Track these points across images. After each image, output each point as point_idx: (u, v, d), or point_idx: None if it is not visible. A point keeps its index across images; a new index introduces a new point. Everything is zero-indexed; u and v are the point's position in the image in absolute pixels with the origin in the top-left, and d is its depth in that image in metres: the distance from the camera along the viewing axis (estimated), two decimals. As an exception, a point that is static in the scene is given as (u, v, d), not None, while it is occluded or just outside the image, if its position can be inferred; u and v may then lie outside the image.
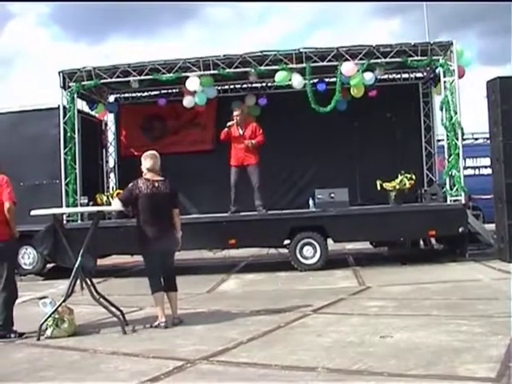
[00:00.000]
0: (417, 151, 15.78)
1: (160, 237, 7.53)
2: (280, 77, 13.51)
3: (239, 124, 13.11)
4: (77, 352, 6.40)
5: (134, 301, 9.52)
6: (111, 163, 16.95)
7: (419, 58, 13.23)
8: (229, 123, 13.07)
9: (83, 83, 13.95)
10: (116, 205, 8.02)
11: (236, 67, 13.63)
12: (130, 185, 7.68)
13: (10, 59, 61.95)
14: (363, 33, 60.75)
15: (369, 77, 13.30)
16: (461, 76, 13.15)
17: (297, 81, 13.44)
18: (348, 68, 13.13)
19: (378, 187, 13.04)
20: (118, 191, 14.13)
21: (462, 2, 36.14)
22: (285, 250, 13.31)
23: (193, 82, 13.52)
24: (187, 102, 14.09)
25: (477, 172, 20.72)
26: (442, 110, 13.32)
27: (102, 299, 7.66)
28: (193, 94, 13.87)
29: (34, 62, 60.84)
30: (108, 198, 13.90)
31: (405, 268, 12.23)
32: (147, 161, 7.79)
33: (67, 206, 13.34)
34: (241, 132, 13.11)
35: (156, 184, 7.63)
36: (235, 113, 13.16)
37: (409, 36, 71.41)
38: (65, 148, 13.69)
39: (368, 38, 66.44)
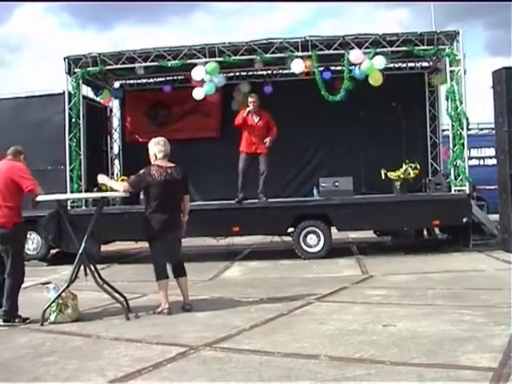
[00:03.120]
0: (422, 141, 15.74)
1: (169, 224, 7.53)
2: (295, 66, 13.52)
3: (255, 111, 12.97)
4: (80, 337, 6.42)
5: (137, 287, 9.56)
6: (116, 149, 16.96)
7: (425, 47, 13.20)
8: (248, 108, 12.89)
9: (88, 69, 13.94)
10: (124, 186, 7.84)
11: (242, 54, 13.60)
12: (142, 171, 7.60)
13: (18, 46, 61.88)
14: (371, 22, 60.41)
15: (379, 61, 13.16)
16: None
17: (298, 66, 13.40)
18: (356, 55, 13.07)
19: (383, 176, 13.02)
20: (122, 177, 14.16)
21: (466, 1, 36.04)
22: (289, 238, 13.33)
23: (198, 72, 13.43)
24: (197, 94, 13.78)
25: (481, 162, 20.64)
26: (447, 99, 13.28)
27: (105, 285, 7.68)
28: (201, 84, 13.72)
29: (41, 48, 60.74)
30: (112, 184, 13.90)
31: (408, 257, 12.25)
32: (163, 146, 7.72)
33: (72, 191, 13.36)
34: (255, 120, 12.97)
35: (169, 171, 7.59)
36: (251, 99, 12.99)
37: (416, 26, 70.94)
38: (70, 134, 13.71)
39: (375, 28, 66.39)
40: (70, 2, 44.00)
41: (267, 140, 12.81)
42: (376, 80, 13.35)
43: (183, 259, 7.92)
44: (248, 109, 12.84)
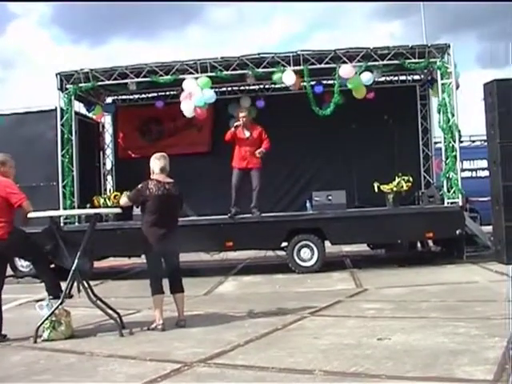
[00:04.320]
0: (414, 153, 15.80)
1: (166, 238, 7.52)
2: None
3: (245, 126, 12.91)
4: (74, 355, 6.38)
5: (131, 303, 9.51)
6: (108, 165, 16.97)
7: (417, 60, 13.26)
8: (236, 123, 12.88)
9: (80, 85, 13.95)
10: (123, 201, 7.94)
11: (233, 69, 13.64)
12: (140, 185, 7.63)
13: (11, 60, 62.00)
14: (363, 35, 60.83)
15: (367, 77, 13.29)
16: (456, 88, 13.21)
17: (290, 78, 13.47)
18: (346, 71, 13.14)
19: (376, 189, 13.04)
20: (115, 193, 14.14)
21: (460, 1, 36.17)
22: (282, 253, 13.31)
23: (189, 84, 13.43)
24: (186, 106, 13.73)
25: (474, 174, 20.70)
26: (439, 112, 13.33)
27: (98, 301, 7.64)
28: (190, 97, 13.69)
29: (34, 63, 60.82)
30: (105, 200, 13.89)
31: (402, 270, 12.24)
32: (160, 160, 7.75)
33: (64, 208, 13.33)
34: (247, 134, 12.85)
35: (167, 186, 7.62)
36: (241, 114, 12.94)
37: (409, 39, 71.45)
38: (62, 150, 13.68)
39: (368, 41, 66.82)
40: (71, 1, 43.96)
41: (258, 152, 12.75)
42: (360, 94, 13.55)
43: (181, 275, 7.89)
44: (236, 123, 12.83)
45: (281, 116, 14.99)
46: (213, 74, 13.55)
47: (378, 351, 5.77)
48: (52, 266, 7.94)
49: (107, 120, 17.04)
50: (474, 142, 21.93)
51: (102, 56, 66.14)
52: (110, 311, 7.66)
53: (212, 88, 13.79)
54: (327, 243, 13.00)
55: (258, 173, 12.79)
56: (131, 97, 16.78)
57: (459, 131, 12.97)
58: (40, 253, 7.66)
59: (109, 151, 17.04)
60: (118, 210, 8.11)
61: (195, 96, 13.40)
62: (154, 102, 15.99)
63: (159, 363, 5.77)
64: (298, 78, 13.48)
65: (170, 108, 15.62)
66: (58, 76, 13.92)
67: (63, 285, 7.42)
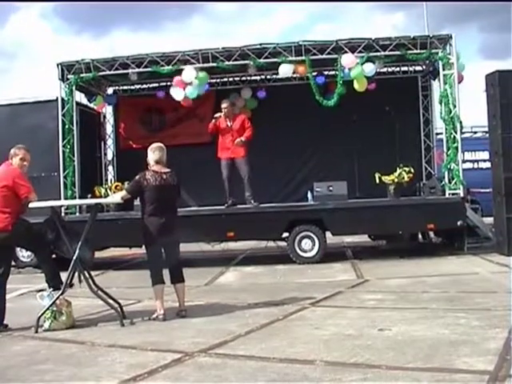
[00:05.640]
0: (416, 144, 15.78)
1: (165, 228, 7.53)
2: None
3: (227, 116, 12.97)
4: (75, 345, 6.39)
5: (132, 293, 9.53)
6: (109, 156, 16.96)
7: (418, 51, 13.23)
8: (216, 115, 12.96)
9: (82, 75, 13.94)
10: (122, 194, 7.95)
11: (235, 60, 13.60)
12: (138, 177, 7.63)
13: (13, 52, 61.88)
14: (365, 26, 60.68)
15: (369, 68, 13.24)
16: (460, 81, 13.18)
17: (285, 69, 13.49)
18: (348, 60, 13.10)
19: (377, 180, 13.01)
20: (116, 184, 14.14)
21: (460, 1, 36.15)
22: (283, 243, 13.30)
23: (189, 73, 13.41)
24: (176, 93, 13.82)
25: (475, 165, 20.71)
26: (440, 103, 13.31)
27: (100, 292, 7.64)
28: (184, 86, 13.70)
29: (36, 54, 60.70)
30: (106, 190, 13.88)
31: (403, 261, 12.24)
32: (155, 153, 7.75)
33: (65, 198, 13.32)
34: (229, 124, 12.96)
35: (164, 176, 7.63)
36: (223, 105, 13.00)
37: (411, 30, 71.49)
38: (63, 140, 13.69)
39: (370, 32, 66.58)
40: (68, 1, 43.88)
41: (237, 141, 12.80)
42: (361, 86, 13.45)
43: (181, 265, 7.90)
44: (216, 115, 12.91)
45: (282, 107, 14.99)
46: (214, 64, 13.53)
47: (378, 342, 5.77)
48: (53, 256, 7.95)
49: (108, 110, 17.02)
50: (475, 133, 21.91)
51: (104, 48, 66.10)
52: (111, 301, 7.68)
53: (213, 78, 13.77)
54: (328, 234, 12.99)
55: (244, 161, 12.86)
56: (132, 87, 16.75)
57: (461, 122, 12.95)
58: (42, 243, 7.69)
59: (110, 141, 17.03)
60: (119, 200, 8.12)
61: (189, 87, 13.43)
62: (155, 93, 15.94)
63: (160, 353, 5.78)
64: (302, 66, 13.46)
65: (171, 98, 15.59)
66: (59, 66, 13.89)
67: (64, 275, 7.44)
